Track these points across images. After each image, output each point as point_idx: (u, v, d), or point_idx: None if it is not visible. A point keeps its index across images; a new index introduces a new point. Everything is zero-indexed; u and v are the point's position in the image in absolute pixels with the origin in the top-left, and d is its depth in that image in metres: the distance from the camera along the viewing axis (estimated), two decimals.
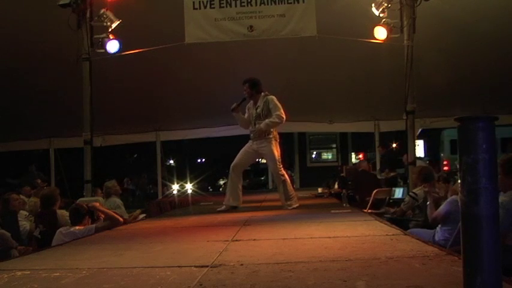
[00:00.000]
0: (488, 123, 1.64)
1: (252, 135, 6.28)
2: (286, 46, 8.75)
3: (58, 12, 6.96)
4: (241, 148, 6.44)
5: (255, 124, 6.16)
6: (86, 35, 7.14)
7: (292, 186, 6.83)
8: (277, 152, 6.20)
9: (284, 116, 6.08)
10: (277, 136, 6.31)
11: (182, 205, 8.88)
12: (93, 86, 7.26)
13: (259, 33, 7.35)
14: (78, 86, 7.39)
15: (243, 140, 6.77)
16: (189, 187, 13.05)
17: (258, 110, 6.17)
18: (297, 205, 6.24)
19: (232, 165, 6.32)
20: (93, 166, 7.31)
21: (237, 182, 6.32)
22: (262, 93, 6.22)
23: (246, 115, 6.36)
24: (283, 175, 6.28)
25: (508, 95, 10.38)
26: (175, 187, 13.50)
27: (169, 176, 15.27)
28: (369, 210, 6.61)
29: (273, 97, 6.17)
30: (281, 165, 6.30)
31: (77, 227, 4.64)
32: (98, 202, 5.44)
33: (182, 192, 12.50)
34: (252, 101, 6.28)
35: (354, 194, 8.31)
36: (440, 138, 17.75)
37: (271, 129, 6.17)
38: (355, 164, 15.72)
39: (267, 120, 6.06)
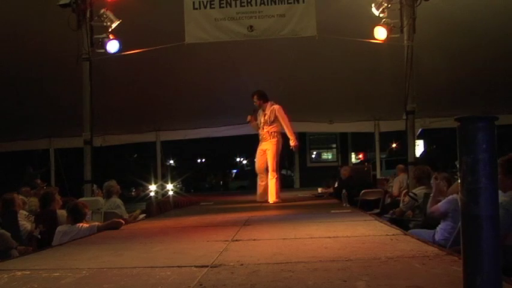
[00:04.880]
0: (488, 123, 1.64)
1: (261, 137, 7.48)
2: (286, 46, 8.74)
3: (58, 12, 6.95)
4: (256, 153, 7.62)
5: (263, 128, 7.38)
6: (86, 35, 7.14)
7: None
8: (278, 151, 7.34)
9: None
10: (281, 139, 7.46)
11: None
12: (93, 86, 7.26)
13: (259, 33, 7.35)
14: (78, 85, 7.39)
15: (242, 139, 7.24)
16: (170, 188, 12.81)
17: (266, 117, 7.36)
18: (276, 203, 7.22)
19: (256, 170, 7.64)
20: (93, 166, 7.31)
21: (265, 181, 7.42)
22: (269, 102, 7.37)
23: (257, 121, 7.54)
24: (276, 173, 7.31)
25: (508, 95, 10.37)
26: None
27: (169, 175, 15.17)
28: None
29: (280, 107, 7.34)
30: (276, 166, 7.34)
31: (80, 224, 4.63)
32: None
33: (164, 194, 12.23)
34: (261, 109, 7.43)
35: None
36: None
37: (277, 134, 7.39)
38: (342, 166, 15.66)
39: (292, 137, 7.38)
